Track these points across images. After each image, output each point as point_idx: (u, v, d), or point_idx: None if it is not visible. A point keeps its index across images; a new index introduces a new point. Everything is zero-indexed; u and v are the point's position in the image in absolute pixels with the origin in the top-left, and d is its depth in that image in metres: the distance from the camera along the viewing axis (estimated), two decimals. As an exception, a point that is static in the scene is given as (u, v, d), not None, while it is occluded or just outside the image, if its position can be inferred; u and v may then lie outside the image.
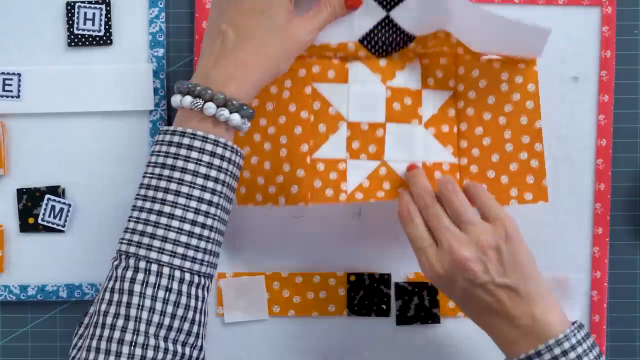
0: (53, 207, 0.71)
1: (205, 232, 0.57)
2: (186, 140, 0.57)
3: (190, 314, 0.56)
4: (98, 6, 0.71)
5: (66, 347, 0.73)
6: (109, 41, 0.71)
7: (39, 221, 0.71)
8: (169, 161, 0.57)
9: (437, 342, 0.73)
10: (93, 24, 0.71)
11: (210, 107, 0.57)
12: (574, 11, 0.71)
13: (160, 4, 0.71)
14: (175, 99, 0.59)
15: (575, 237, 0.72)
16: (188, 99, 0.57)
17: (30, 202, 0.71)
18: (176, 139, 0.57)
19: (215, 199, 0.57)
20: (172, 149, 0.57)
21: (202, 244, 0.57)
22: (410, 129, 0.67)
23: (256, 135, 0.68)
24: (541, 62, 0.70)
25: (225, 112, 0.57)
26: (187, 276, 0.56)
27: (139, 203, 0.57)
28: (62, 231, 0.72)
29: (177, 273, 0.56)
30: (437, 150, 0.68)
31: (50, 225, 0.71)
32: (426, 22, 0.65)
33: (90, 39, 0.71)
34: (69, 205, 0.71)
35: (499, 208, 0.62)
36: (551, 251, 0.72)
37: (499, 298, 0.59)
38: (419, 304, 0.72)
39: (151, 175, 0.57)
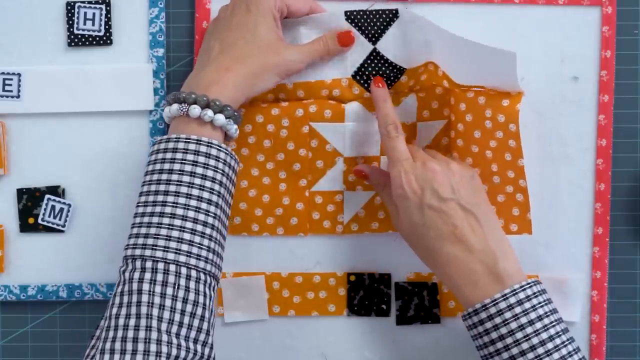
0: (53, 207, 0.71)
1: (207, 230, 0.58)
2: (180, 145, 0.59)
3: (199, 311, 0.57)
4: (98, 6, 0.71)
5: (66, 347, 0.73)
6: (109, 41, 0.71)
7: (39, 221, 0.71)
8: (166, 166, 0.59)
9: (437, 342, 0.73)
10: (93, 24, 0.71)
11: (195, 109, 0.60)
12: (574, 11, 0.71)
13: (160, 4, 0.71)
14: (165, 110, 0.62)
15: (575, 237, 0.72)
16: (175, 106, 0.60)
17: (30, 202, 0.71)
18: (171, 145, 0.59)
19: (214, 197, 0.58)
20: (168, 155, 0.59)
21: (205, 242, 0.58)
22: None
23: (254, 170, 0.70)
24: (541, 62, 0.71)
25: (209, 112, 0.60)
26: (194, 273, 0.57)
27: (140, 209, 0.58)
28: (62, 231, 0.72)
29: (184, 270, 0.56)
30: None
31: (50, 225, 0.71)
32: (411, 53, 0.69)
33: (90, 39, 0.71)
34: (69, 205, 0.71)
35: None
36: (551, 251, 0.72)
37: (461, 224, 0.61)
38: (419, 304, 0.72)
39: (149, 182, 0.59)
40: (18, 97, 0.71)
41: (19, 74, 0.71)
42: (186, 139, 0.59)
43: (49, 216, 0.71)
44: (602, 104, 0.71)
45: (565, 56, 0.71)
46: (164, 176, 0.58)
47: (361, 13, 0.69)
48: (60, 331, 0.73)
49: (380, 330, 0.73)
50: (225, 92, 0.61)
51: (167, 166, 0.59)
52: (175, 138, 0.59)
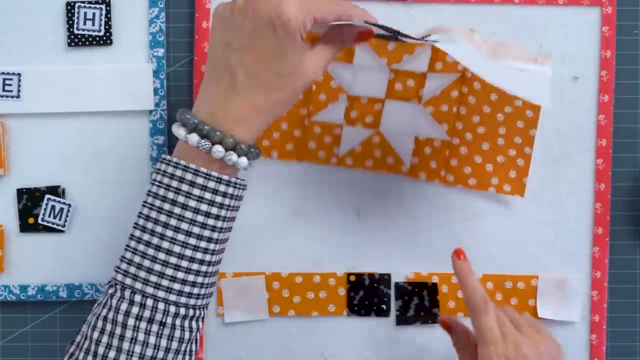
0: (53, 207, 0.71)
1: (203, 268, 0.57)
2: (189, 176, 0.56)
3: (183, 346, 0.56)
4: (98, 6, 0.71)
5: (66, 347, 0.72)
6: (109, 41, 0.71)
7: (39, 221, 0.71)
8: (170, 195, 0.56)
9: (437, 342, 0.73)
10: (93, 24, 0.71)
11: (219, 151, 0.55)
12: (574, 11, 0.71)
13: (160, 4, 0.71)
14: (179, 132, 0.57)
15: (575, 237, 0.72)
16: (194, 137, 0.56)
17: (30, 202, 0.71)
18: (178, 172, 0.56)
19: (215, 235, 0.57)
20: (174, 183, 0.56)
21: (199, 279, 0.57)
22: (407, 106, 0.70)
23: None
24: (541, 62, 0.71)
25: (233, 157, 0.56)
26: (182, 310, 0.56)
27: (137, 233, 0.57)
28: (62, 231, 0.72)
29: (172, 308, 0.56)
30: (431, 127, 0.70)
31: (50, 225, 0.71)
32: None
33: (90, 39, 0.71)
34: (69, 205, 0.71)
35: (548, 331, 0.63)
36: (551, 251, 0.72)
37: None
38: (419, 304, 0.72)
39: (151, 207, 0.57)
40: (18, 97, 0.71)
41: (19, 74, 0.71)
42: (195, 170, 0.55)
43: (49, 216, 0.71)
44: (602, 104, 0.71)
45: (565, 56, 0.71)
46: (167, 206, 0.56)
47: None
48: (60, 331, 0.73)
49: (380, 330, 0.73)
50: (250, 131, 0.57)
51: (171, 195, 0.56)
52: (184, 166, 0.56)
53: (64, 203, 0.71)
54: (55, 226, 0.71)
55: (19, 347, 0.73)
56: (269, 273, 0.72)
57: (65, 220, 0.71)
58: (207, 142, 0.55)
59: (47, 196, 0.71)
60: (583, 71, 0.71)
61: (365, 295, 0.72)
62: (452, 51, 0.60)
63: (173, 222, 0.55)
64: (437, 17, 0.69)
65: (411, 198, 0.72)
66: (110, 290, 0.56)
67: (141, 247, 0.56)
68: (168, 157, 0.57)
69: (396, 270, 0.72)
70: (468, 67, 0.61)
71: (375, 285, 0.72)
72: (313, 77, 0.58)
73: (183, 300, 0.56)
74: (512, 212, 0.72)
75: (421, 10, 0.69)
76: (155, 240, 0.56)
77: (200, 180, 0.55)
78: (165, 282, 0.55)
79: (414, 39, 0.60)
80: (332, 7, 0.57)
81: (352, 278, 0.72)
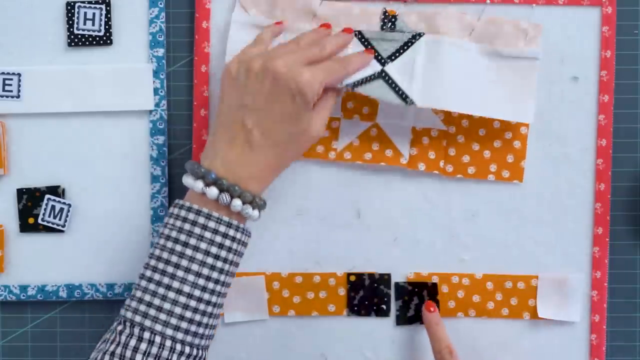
0: (53, 207, 0.71)
1: (209, 309, 0.60)
2: (201, 220, 0.59)
3: None
4: (98, 6, 0.71)
5: (66, 347, 0.73)
6: (109, 41, 0.71)
7: (39, 221, 0.71)
8: (182, 237, 0.59)
9: (437, 342, 0.73)
10: (93, 24, 0.71)
11: (238, 205, 0.60)
12: (574, 11, 0.71)
13: (160, 4, 0.71)
14: (197, 185, 0.60)
15: (575, 237, 0.72)
16: (214, 191, 0.60)
17: (30, 202, 0.71)
18: (191, 216, 0.59)
19: (222, 277, 0.60)
20: (187, 226, 0.59)
21: (205, 319, 0.59)
22: None
23: None
24: (541, 62, 0.71)
25: (249, 210, 0.61)
26: (187, 349, 0.59)
27: (148, 273, 0.59)
28: (62, 231, 0.72)
29: (178, 346, 0.58)
30: (428, 117, 0.71)
31: (50, 225, 0.71)
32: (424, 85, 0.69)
33: (90, 39, 0.71)
34: (69, 205, 0.71)
35: None
36: (551, 251, 0.72)
37: None
38: (419, 304, 0.72)
39: (162, 248, 0.60)
40: (18, 97, 0.71)
41: (19, 74, 0.71)
42: (207, 215, 0.59)
43: (49, 216, 0.71)
44: (602, 104, 0.71)
45: (565, 56, 0.71)
46: (178, 247, 0.59)
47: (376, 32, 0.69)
48: (60, 331, 0.73)
49: (380, 330, 0.73)
50: (262, 186, 0.62)
51: (183, 238, 0.59)
52: (197, 210, 0.60)
53: (64, 203, 0.71)
54: (55, 226, 0.71)
55: (19, 347, 0.73)
56: (269, 273, 0.72)
57: (65, 220, 0.71)
58: (227, 196, 0.60)
59: (47, 196, 0.71)
60: (583, 71, 0.71)
61: (365, 295, 0.72)
62: (437, 67, 0.67)
63: (184, 263, 0.59)
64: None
65: (411, 198, 0.72)
66: (119, 327, 0.59)
67: (152, 287, 0.59)
68: (181, 201, 0.61)
69: (396, 270, 0.72)
70: (453, 110, 0.67)
71: (375, 285, 0.72)
72: (319, 135, 0.64)
73: (189, 339, 0.59)
74: (512, 212, 0.72)
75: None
76: (166, 280, 0.59)
77: (212, 224, 0.59)
78: (173, 320, 0.58)
79: (400, 40, 0.68)
80: (336, 69, 0.64)
81: (352, 278, 0.72)
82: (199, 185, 0.60)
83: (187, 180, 0.61)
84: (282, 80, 0.60)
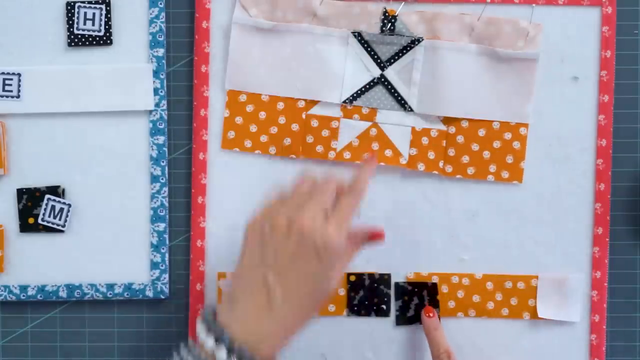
0: (53, 207, 0.71)
1: None
2: None
3: None
4: (98, 6, 0.71)
5: (66, 347, 0.73)
6: (109, 41, 0.71)
7: (39, 221, 0.71)
8: None
9: (437, 342, 0.73)
10: (93, 24, 0.71)
11: None
12: (574, 11, 0.71)
13: (160, 4, 0.71)
14: (208, 342, 0.56)
15: (575, 237, 0.72)
16: (223, 354, 0.55)
17: (30, 202, 0.71)
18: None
19: None
20: None
21: None
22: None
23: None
24: (541, 62, 0.71)
25: None
26: None
27: None
28: (62, 231, 0.72)
29: None
30: (428, 117, 0.71)
31: (50, 225, 0.71)
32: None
33: (90, 39, 0.71)
34: (69, 205, 0.71)
35: None
36: (551, 251, 0.72)
37: None
38: (419, 304, 0.72)
39: None
40: (18, 97, 0.71)
41: (19, 74, 0.71)
42: None
43: (49, 216, 0.71)
44: (602, 104, 0.71)
45: (565, 56, 0.71)
46: None
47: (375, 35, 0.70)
48: (60, 331, 0.73)
49: (380, 330, 0.73)
50: (276, 347, 0.58)
51: None
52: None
53: (64, 203, 0.71)
54: (55, 226, 0.71)
55: (19, 347, 0.73)
56: (269, 273, 0.72)
57: (65, 220, 0.71)
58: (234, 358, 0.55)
59: (47, 196, 0.71)
60: (583, 71, 0.71)
61: (365, 295, 0.72)
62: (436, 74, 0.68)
63: None
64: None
65: (411, 198, 0.72)
66: None
67: None
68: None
69: (396, 270, 0.72)
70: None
71: (375, 285, 0.72)
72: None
73: None
74: (511, 212, 0.72)
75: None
76: None
77: None
78: None
79: (399, 44, 0.69)
80: (354, 204, 0.60)
81: (352, 278, 0.72)
82: (210, 342, 0.56)
83: (199, 328, 0.58)
84: (307, 237, 0.57)
